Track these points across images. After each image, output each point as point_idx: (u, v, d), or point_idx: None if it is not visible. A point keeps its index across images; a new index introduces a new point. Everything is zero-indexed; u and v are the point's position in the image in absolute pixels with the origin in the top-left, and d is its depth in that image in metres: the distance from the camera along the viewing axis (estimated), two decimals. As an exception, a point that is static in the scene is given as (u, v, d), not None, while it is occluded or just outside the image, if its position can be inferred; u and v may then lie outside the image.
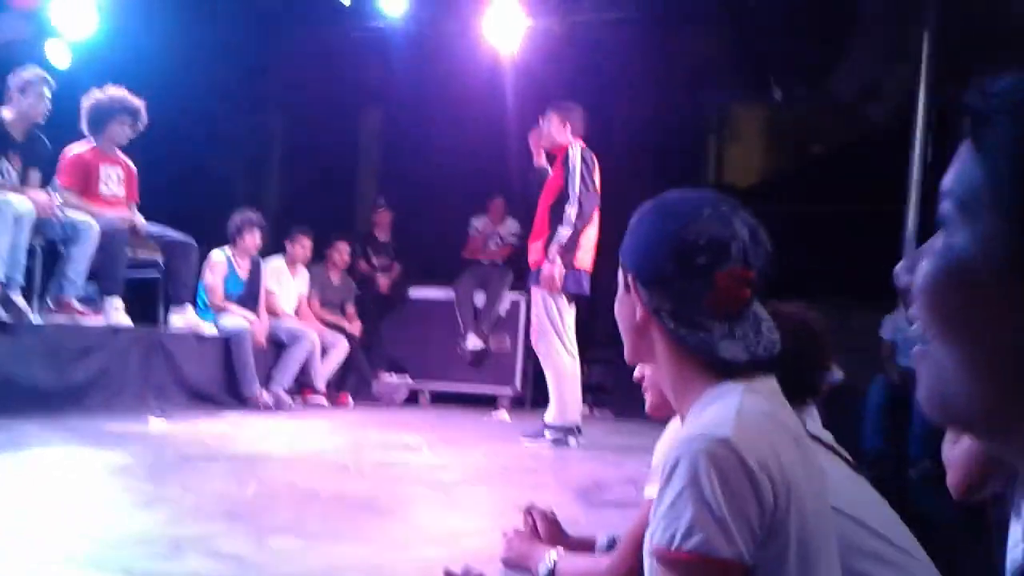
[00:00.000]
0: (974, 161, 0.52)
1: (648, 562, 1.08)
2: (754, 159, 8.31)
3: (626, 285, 1.22)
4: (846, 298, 6.41)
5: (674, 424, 1.65)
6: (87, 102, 5.18)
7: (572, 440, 4.46)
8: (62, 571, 1.74)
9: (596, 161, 4.63)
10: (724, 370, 1.13)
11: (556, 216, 4.52)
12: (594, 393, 7.22)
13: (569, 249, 4.50)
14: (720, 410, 1.07)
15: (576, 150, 4.57)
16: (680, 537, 1.00)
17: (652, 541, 1.04)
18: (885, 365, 6.15)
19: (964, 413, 0.53)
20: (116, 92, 5.19)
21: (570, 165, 4.51)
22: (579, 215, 4.47)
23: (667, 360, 1.18)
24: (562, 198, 4.51)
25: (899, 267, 0.58)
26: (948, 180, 0.55)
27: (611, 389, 7.05)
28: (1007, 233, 0.49)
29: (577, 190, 4.47)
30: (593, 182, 4.58)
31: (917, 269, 0.55)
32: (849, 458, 1.50)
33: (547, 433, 4.45)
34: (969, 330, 0.51)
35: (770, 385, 1.15)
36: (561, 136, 4.64)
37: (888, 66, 7.00)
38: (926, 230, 6.80)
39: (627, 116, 7.39)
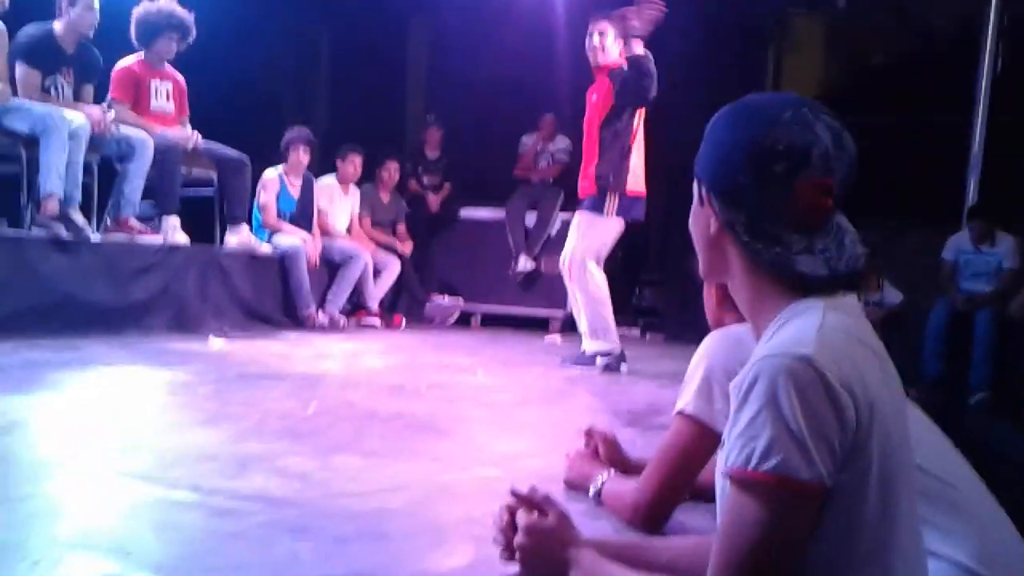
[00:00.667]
0: None
1: (721, 484, 1.05)
2: (814, 70, 8.02)
3: (700, 197, 1.16)
4: (908, 217, 6.24)
5: (710, 338, 1.60)
6: (136, 14, 5.13)
7: (624, 366, 4.37)
8: (132, 486, 1.78)
9: (654, 70, 4.24)
10: (803, 286, 1.07)
11: (606, 141, 4.32)
12: (645, 316, 7.20)
13: (618, 176, 4.31)
14: (800, 328, 1.02)
15: (627, 66, 4.26)
16: (757, 458, 0.97)
17: (727, 462, 1.01)
18: (947, 288, 6.00)
19: None
20: (165, 4, 5.13)
21: (617, 82, 4.25)
22: (616, 138, 4.28)
23: (743, 276, 1.13)
24: (611, 119, 4.31)
25: None
26: None
27: (662, 312, 7.01)
28: None
29: (619, 114, 4.28)
30: (643, 99, 4.27)
31: None
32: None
33: (598, 360, 4.35)
34: None
35: (851, 303, 1.09)
36: (614, 53, 4.34)
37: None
38: (993, 143, 6.54)
39: (680, 26, 7.13)
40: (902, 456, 1.04)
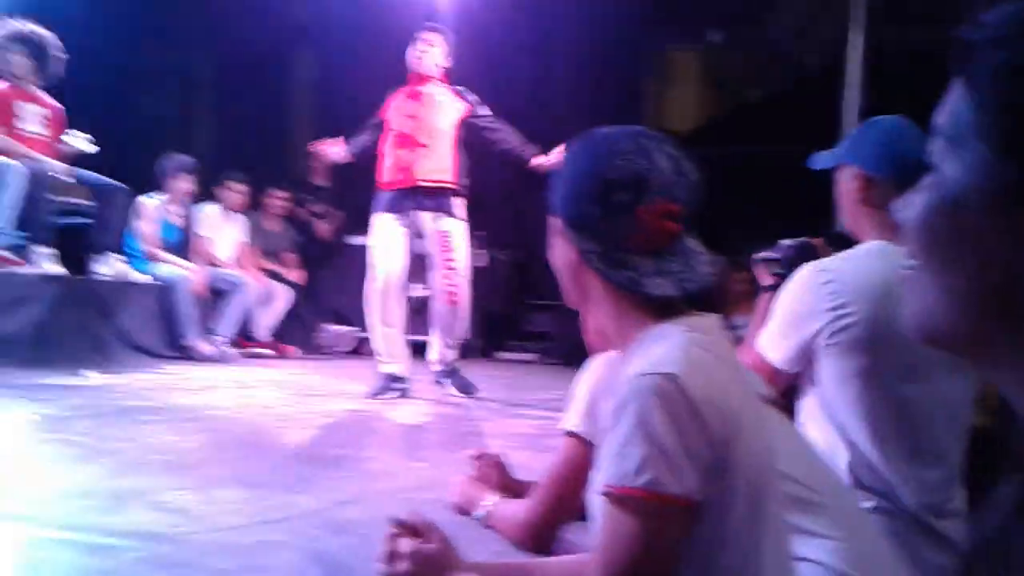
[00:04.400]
0: (961, 94, 0.52)
1: (596, 502, 1.09)
2: (692, 103, 8.34)
3: (557, 230, 1.21)
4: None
5: (595, 363, 1.65)
6: None
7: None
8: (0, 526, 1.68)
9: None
10: (660, 308, 1.13)
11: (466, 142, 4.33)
12: (540, 341, 7.27)
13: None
14: (664, 348, 1.07)
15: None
16: (630, 475, 1.01)
17: (602, 480, 1.04)
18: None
19: (948, 339, 0.53)
20: (15, 24, 4.92)
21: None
22: None
23: (604, 302, 1.18)
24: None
25: (897, 202, 0.57)
26: (938, 117, 0.54)
27: (556, 337, 7.09)
28: (993, 163, 0.49)
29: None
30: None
31: (911, 203, 0.54)
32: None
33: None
34: (956, 258, 0.51)
35: (711, 322, 1.15)
36: (434, 69, 4.37)
37: (822, 7, 7.02)
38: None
39: (564, 62, 7.33)
40: (766, 468, 1.10)
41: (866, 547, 1.34)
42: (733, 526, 1.04)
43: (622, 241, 1.13)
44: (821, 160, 1.93)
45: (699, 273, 1.15)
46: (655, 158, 1.13)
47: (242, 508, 1.94)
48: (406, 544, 1.35)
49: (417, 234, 4.34)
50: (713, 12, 7.21)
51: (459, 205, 4.33)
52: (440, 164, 4.27)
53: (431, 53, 4.34)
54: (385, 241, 4.26)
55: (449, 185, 4.27)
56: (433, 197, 4.26)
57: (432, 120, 4.29)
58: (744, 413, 1.07)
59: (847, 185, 1.84)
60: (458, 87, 4.39)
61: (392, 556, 1.36)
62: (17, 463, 2.33)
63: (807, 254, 1.96)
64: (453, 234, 4.29)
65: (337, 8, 7.03)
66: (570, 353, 6.35)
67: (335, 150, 4.56)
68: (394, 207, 4.28)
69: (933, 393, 1.62)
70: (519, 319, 7.55)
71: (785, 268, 1.96)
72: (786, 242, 2.10)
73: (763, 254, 2.11)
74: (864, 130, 1.89)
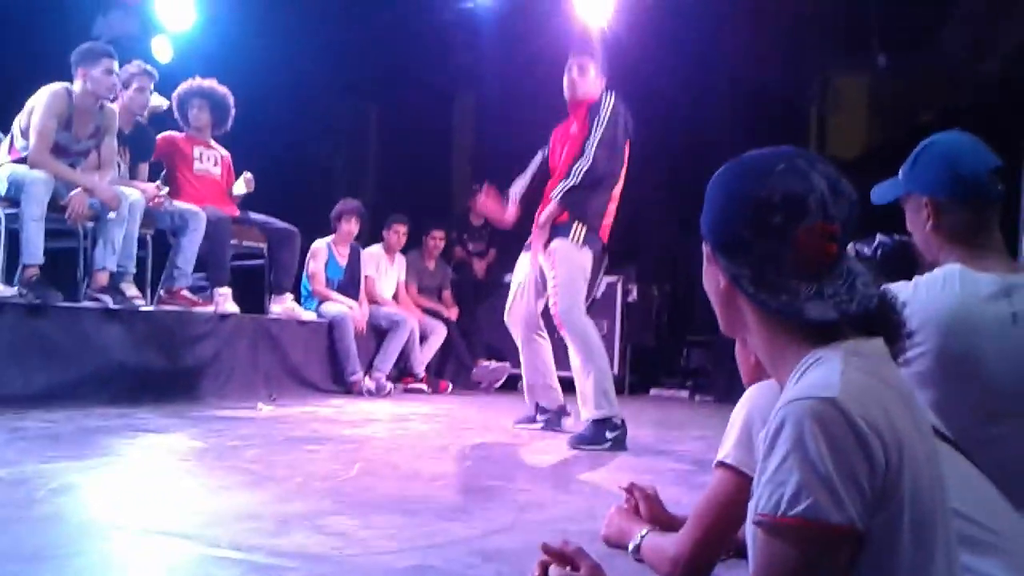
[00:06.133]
0: None
1: (752, 532, 1.04)
2: (858, 130, 7.99)
3: (707, 255, 1.18)
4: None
5: (752, 390, 1.58)
6: (175, 92, 5.41)
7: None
8: (174, 545, 1.80)
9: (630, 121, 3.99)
10: (818, 333, 1.07)
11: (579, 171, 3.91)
12: (694, 378, 7.12)
13: (592, 212, 3.92)
14: (822, 373, 1.02)
15: (611, 100, 3.95)
16: (786, 503, 0.95)
17: (756, 509, 0.99)
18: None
19: None
20: (197, 81, 5.35)
21: (602, 115, 3.90)
22: (590, 170, 3.86)
23: (758, 328, 1.14)
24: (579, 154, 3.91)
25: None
26: None
27: (711, 373, 6.93)
28: None
29: (594, 145, 3.86)
30: (624, 140, 3.96)
31: None
32: (940, 426, 1.39)
33: (607, 434, 3.70)
34: None
35: (874, 346, 1.08)
36: (596, 87, 4.02)
37: (1003, 13, 6.59)
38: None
39: (721, 88, 7.19)
40: (936, 500, 1.02)
41: None
42: (897, 562, 0.97)
43: (777, 264, 1.09)
44: (882, 193, 1.80)
45: (861, 295, 1.09)
46: (812, 178, 1.09)
47: (398, 533, 1.99)
48: (556, 571, 1.34)
49: None
50: (880, 35, 6.91)
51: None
52: None
53: (580, 80, 4.04)
54: None
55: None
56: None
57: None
58: (910, 442, 1.00)
59: (916, 215, 1.71)
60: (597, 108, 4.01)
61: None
62: (191, 488, 2.48)
63: (903, 254, 1.83)
64: None
65: (495, 50, 7.22)
66: (726, 390, 6.18)
67: (501, 209, 4.43)
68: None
69: None
70: (673, 354, 7.41)
71: (878, 264, 1.83)
72: (883, 237, 1.96)
73: (856, 245, 1.97)
74: (923, 153, 1.75)
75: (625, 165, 4.05)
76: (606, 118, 3.91)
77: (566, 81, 4.08)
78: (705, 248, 1.19)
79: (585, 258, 3.93)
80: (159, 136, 5.34)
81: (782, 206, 1.08)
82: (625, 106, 3.98)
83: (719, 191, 1.17)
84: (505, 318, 4.23)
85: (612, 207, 4.03)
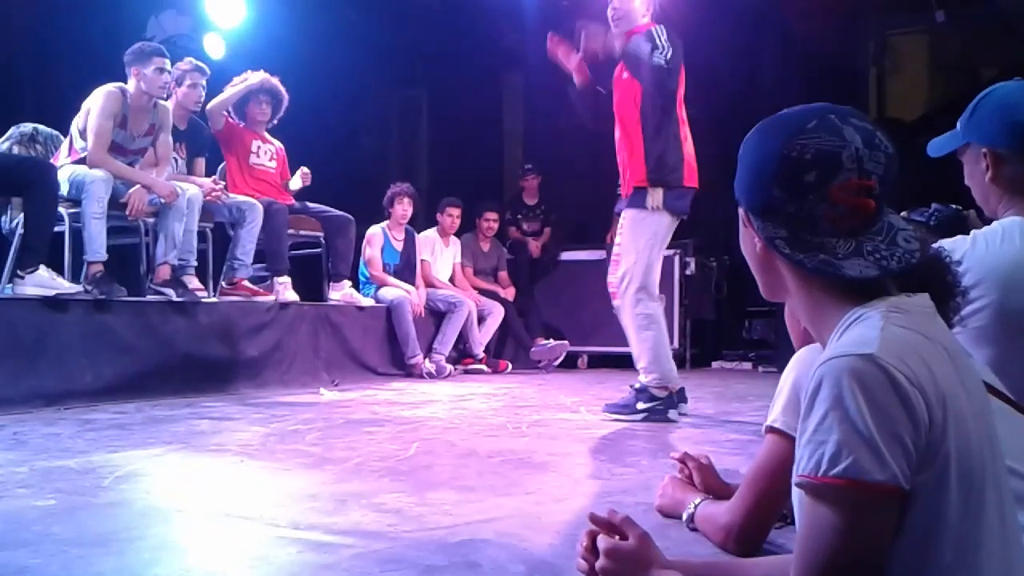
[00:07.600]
0: None
1: (796, 495, 1.02)
2: (919, 90, 7.75)
3: (742, 218, 1.16)
4: None
5: (801, 353, 1.55)
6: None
7: (673, 413, 3.66)
8: (233, 525, 1.84)
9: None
10: (859, 291, 1.05)
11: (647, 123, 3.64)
12: (756, 349, 7.02)
13: (670, 162, 3.64)
14: (861, 330, 0.99)
15: (662, 31, 3.60)
16: (827, 463, 0.93)
17: (797, 471, 0.97)
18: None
19: None
20: (252, 75, 5.43)
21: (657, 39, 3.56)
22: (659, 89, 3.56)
23: (798, 290, 1.12)
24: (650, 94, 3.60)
25: None
26: None
27: (773, 344, 6.83)
28: None
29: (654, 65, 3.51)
30: (679, 63, 3.62)
31: None
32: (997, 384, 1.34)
33: (639, 404, 3.63)
34: None
35: (917, 301, 1.05)
36: (639, 17, 3.73)
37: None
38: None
39: (778, 51, 7.03)
40: (986, 458, 0.98)
41: None
42: (945, 521, 0.94)
43: (813, 223, 1.06)
44: (940, 145, 1.73)
45: (903, 250, 1.05)
46: (845, 133, 1.06)
47: (452, 509, 2.00)
48: (604, 541, 1.34)
49: None
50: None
51: None
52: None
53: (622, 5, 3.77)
54: None
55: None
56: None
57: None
58: (955, 398, 0.96)
59: (974, 166, 1.64)
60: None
61: (591, 553, 1.35)
62: (252, 471, 2.54)
63: (956, 223, 1.77)
64: None
65: (542, 31, 7.17)
66: (787, 361, 6.06)
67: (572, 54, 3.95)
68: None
69: None
70: (734, 326, 7.32)
71: (933, 233, 1.77)
72: (937, 206, 1.90)
73: (909, 214, 1.91)
74: (981, 103, 1.68)
75: (682, 88, 3.76)
76: (665, 45, 3.55)
77: (609, 12, 3.81)
78: (740, 212, 1.17)
79: (664, 221, 3.68)
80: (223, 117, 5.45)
81: (814, 163, 1.05)
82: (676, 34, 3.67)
83: (750, 152, 1.15)
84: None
85: (688, 148, 3.75)
